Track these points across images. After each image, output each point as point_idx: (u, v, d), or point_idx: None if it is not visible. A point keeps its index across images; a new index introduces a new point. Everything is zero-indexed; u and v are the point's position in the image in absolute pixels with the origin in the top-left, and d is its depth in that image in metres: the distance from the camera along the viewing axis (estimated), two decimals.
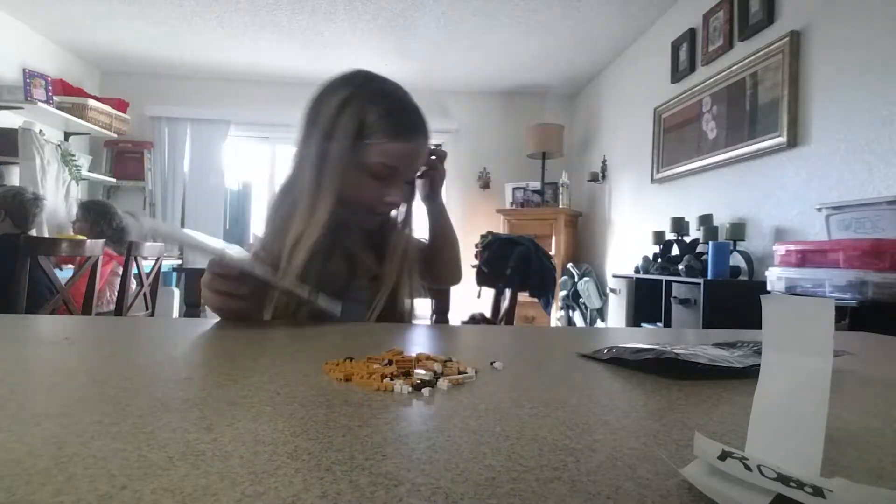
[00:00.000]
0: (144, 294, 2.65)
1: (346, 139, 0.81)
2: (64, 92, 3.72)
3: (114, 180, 4.31)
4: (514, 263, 2.22)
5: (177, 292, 4.13)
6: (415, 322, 0.93)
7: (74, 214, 2.97)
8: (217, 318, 0.81)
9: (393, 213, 0.93)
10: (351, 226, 0.88)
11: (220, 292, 0.74)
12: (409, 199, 0.93)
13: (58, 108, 3.57)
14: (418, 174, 0.93)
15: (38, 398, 0.34)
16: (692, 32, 2.93)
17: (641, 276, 2.82)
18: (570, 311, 4.13)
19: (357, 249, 0.89)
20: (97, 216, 2.71)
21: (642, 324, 2.77)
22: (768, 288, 1.77)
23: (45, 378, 0.40)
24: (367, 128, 0.82)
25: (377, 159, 0.82)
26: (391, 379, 0.40)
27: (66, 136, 3.97)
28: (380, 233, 0.93)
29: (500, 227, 4.35)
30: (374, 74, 0.89)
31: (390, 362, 0.44)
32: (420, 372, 0.41)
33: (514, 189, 4.54)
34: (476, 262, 2.82)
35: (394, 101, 0.87)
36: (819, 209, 1.80)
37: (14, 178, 3.40)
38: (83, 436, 0.27)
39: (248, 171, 5.00)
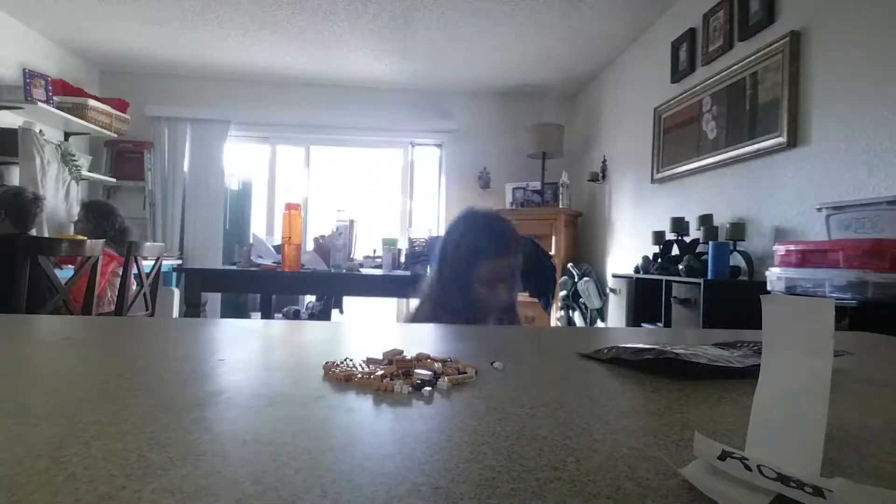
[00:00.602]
0: (144, 294, 2.65)
1: (465, 260, 1.21)
2: (64, 92, 3.72)
3: (114, 180, 4.31)
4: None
5: (177, 292, 4.13)
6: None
7: (76, 214, 2.97)
8: (216, 318, 0.81)
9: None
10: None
11: None
12: (510, 293, 1.26)
13: (58, 108, 3.57)
14: None
15: (38, 398, 0.34)
16: (692, 32, 2.93)
17: (641, 276, 2.82)
18: (570, 311, 4.13)
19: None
20: (100, 217, 2.71)
21: (642, 324, 2.77)
22: (768, 288, 1.77)
23: (45, 378, 0.40)
24: (472, 254, 1.20)
25: (483, 272, 1.20)
26: (391, 379, 0.40)
27: (66, 136, 3.97)
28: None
29: None
30: (476, 211, 1.31)
31: (390, 362, 0.44)
32: (420, 372, 0.41)
33: (514, 189, 4.54)
34: None
35: (490, 230, 1.24)
36: (819, 209, 1.80)
37: (14, 178, 3.40)
38: (83, 436, 0.27)
39: (248, 171, 5.00)
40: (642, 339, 0.68)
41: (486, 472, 0.24)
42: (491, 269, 1.21)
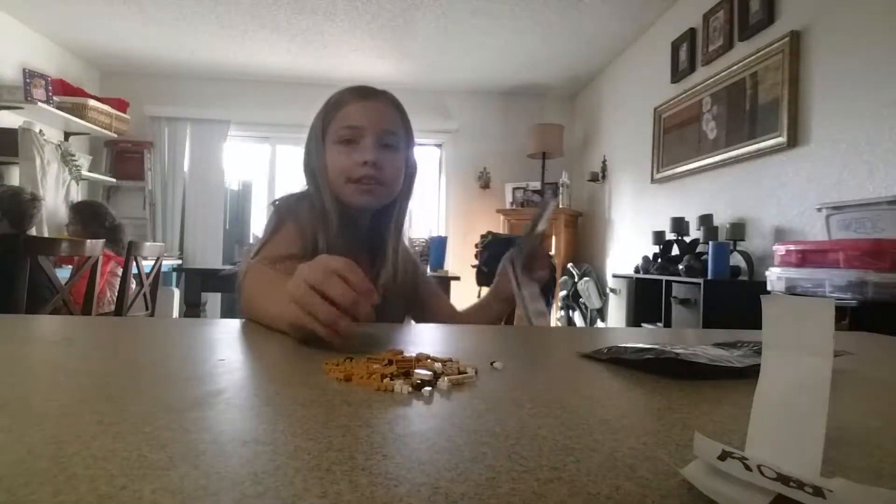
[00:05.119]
0: (144, 294, 2.64)
1: (316, 122, 0.92)
2: (64, 92, 3.72)
3: (114, 180, 4.31)
4: None
5: (177, 292, 4.13)
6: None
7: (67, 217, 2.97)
8: (216, 318, 0.80)
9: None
10: (348, 221, 0.91)
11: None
12: (390, 172, 0.90)
13: (58, 108, 3.56)
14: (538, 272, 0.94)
15: (38, 398, 0.34)
16: (692, 32, 2.93)
17: (641, 276, 2.82)
18: (570, 311, 4.13)
19: (352, 250, 0.88)
20: (88, 217, 2.70)
21: (642, 324, 2.77)
22: (768, 288, 1.77)
23: (45, 378, 0.40)
24: (329, 107, 0.92)
25: (340, 125, 0.89)
26: (391, 379, 0.40)
27: (66, 136, 3.97)
28: (375, 235, 0.96)
29: (500, 227, 4.35)
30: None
31: (390, 362, 0.44)
32: (420, 372, 0.41)
33: (514, 189, 4.54)
34: (476, 262, 2.83)
35: (354, 86, 0.94)
36: (819, 209, 1.80)
37: (14, 178, 3.40)
38: (83, 436, 0.27)
39: (248, 171, 5.01)
40: (642, 339, 0.68)
41: (486, 472, 0.24)
42: (347, 119, 0.89)
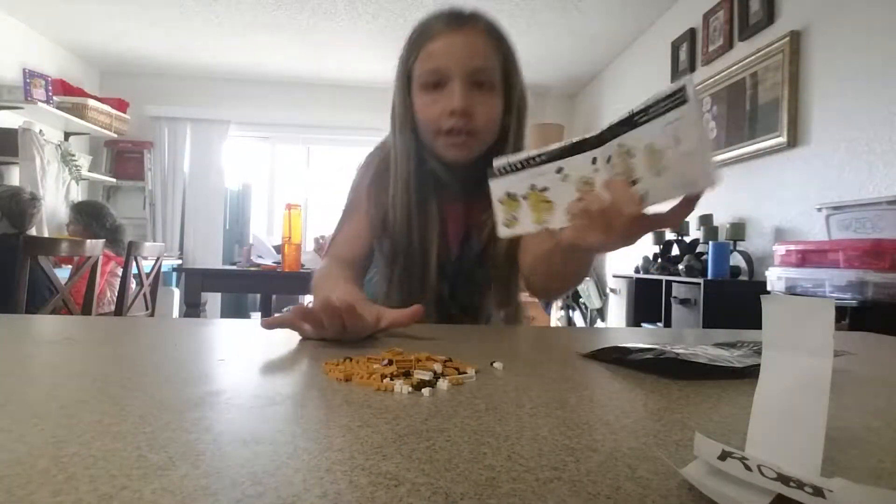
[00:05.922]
0: (144, 294, 2.65)
1: (401, 62, 0.81)
2: (64, 92, 3.71)
3: (114, 180, 4.31)
4: None
5: (177, 292, 4.13)
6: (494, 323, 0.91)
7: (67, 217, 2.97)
8: (216, 319, 0.81)
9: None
10: (439, 175, 0.81)
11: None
12: (483, 119, 0.76)
13: (58, 108, 3.56)
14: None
15: (38, 398, 0.34)
16: (692, 32, 2.93)
17: (641, 275, 2.82)
18: (570, 311, 4.13)
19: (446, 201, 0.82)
20: (89, 217, 2.70)
21: (642, 324, 2.77)
22: (768, 288, 1.77)
23: (45, 378, 0.40)
24: (413, 43, 0.79)
25: (423, 67, 0.77)
26: (391, 379, 0.40)
27: (66, 136, 3.97)
28: (472, 182, 0.79)
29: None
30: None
31: (390, 362, 0.44)
32: (420, 372, 0.42)
33: None
34: None
35: (439, 10, 0.79)
36: (819, 209, 1.80)
37: (14, 178, 3.40)
38: (83, 436, 0.27)
39: (248, 171, 5.00)
40: (642, 339, 0.68)
41: (486, 472, 0.24)
42: (430, 60, 0.77)
